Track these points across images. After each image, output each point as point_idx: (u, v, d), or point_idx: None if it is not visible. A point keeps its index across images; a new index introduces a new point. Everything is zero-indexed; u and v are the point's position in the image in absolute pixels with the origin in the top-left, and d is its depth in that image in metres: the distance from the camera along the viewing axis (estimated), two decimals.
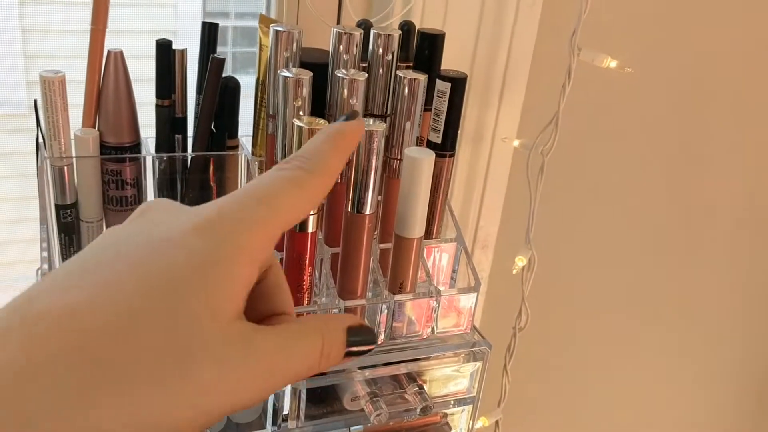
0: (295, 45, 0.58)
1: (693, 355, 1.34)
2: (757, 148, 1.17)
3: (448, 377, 0.69)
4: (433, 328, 0.65)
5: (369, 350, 0.33)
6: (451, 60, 0.76)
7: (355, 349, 0.33)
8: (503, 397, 0.94)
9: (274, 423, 0.60)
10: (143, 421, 0.25)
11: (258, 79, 0.64)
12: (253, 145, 0.66)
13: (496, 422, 0.95)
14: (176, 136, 0.65)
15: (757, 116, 1.14)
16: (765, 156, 1.19)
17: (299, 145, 0.52)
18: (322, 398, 0.63)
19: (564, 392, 1.23)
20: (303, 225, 0.55)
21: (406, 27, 0.66)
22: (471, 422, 0.71)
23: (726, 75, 1.07)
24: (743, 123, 1.13)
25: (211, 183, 0.65)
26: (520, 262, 0.84)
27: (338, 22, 0.77)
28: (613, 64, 0.75)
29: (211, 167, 0.66)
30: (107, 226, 0.65)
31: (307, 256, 0.56)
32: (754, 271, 1.32)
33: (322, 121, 0.52)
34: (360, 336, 0.33)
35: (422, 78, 0.58)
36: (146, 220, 0.31)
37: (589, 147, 1.01)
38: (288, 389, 0.59)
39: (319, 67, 0.59)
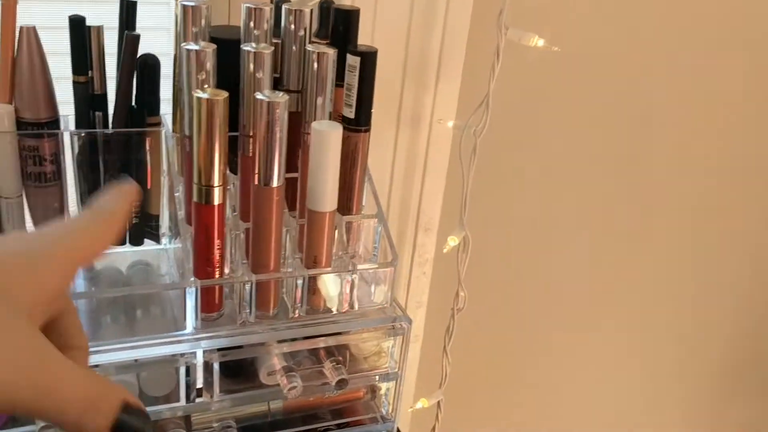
0: (203, 20, 0.58)
1: (627, 331, 1.34)
2: (685, 118, 1.17)
3: (373, 353, 0.69)
4: (351, 304, 0.65)
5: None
6: (385, 42, 0.77)
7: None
8: (444, 378, 0.94)
9: (187, 397, 0.60)
10: None
11: (174, 55, 0.64)
12: (173, 122, 0.66)
13: (438, 403, 0.95)
14: (96, 113, 0.65)
15: (685, 88, 1.14)
16: (694, 123, 1.19)
17: (200, 115, 0.52)
18: (239, 372, 0.63)
19: (504, 372, 1.24)
20: (208, 197, 0.55)
21: (326, 5, 0.66)
22: (396, 398, 0.72)
23: (652, 49, 1.07)
24: (670, 96, 1.13)
25: (146, 159, 0.66)
26: (452, 242, 0.84)
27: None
28: (541, 42, 0.76)
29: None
30: (28, 202, 0.65)
31: (215, 228, 0.57)
32: (699, 257, 1.32)
33: (223, 92, 0.53)
34: (132, 416, 0.32)
35: (331, 52, 0.59)
36: None
37: (521, 126, 1.01)
38: (200, 362, 0.59)
39: (230, 42, 0.59)
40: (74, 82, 0.63)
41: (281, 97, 0.54)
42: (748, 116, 1.21)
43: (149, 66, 0.64)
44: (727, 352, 1.48)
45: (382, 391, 0.72)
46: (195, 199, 0.56)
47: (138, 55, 0.63)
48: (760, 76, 1.18)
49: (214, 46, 0.55)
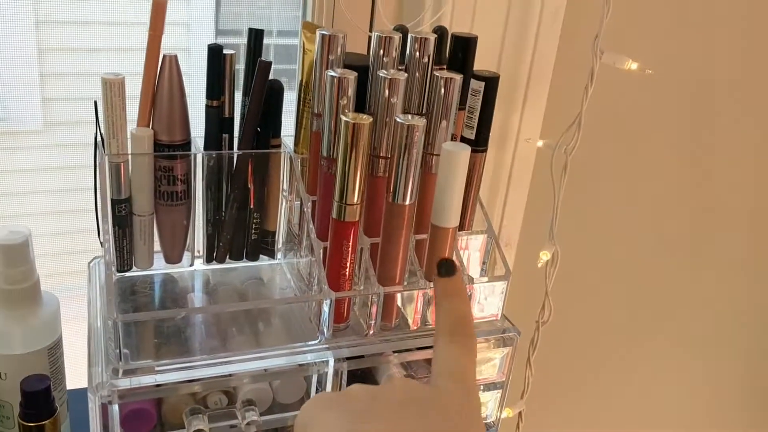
0: (339, 48, 0.62)
1: (706, 352, 1.36)
2: None
3: (480, 363, 0.72)
4: None
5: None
6: (477, 63, 0.80)
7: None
8: (526, 389, 0.97)
9: None
10: None
11: (301, 81, 0.68)
12: (296, 143, 0.70)
13: (519, 413, 0.98)
14: (224, 135, 0.69)
15: None
16: None
17: (346, 138, 0.56)
18: (362, 380, 0.66)
19: (585, 385, 1.26)
20: (347, 214, 0.59)
21: (440, 31, 0.70)
22: (500, 406, 0.75)
23: (745, 76, 1.10)
24: (762, 124, 1.16)
25: (249, 183, 0.69)
26: (545, 256, 0.88)
27: (371, 28, 0.81)
28: (634, 66, 0.79)
29: (250, 166, 0.70)
30: (157, 221, 0.69)
31: (351, 243, 0.60)
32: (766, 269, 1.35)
33: (365, 116, 0.56)
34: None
35: (458, 78, 0.62)
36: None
37: (610, 147, 1.04)
38: (331, 370, 0.62)
39: (360, 69, 0.62)
40: (207, 106, 0.67)
41: (419, 121, 0.57)
42: None
43: (275, 91, 0.68)
44: None
45: (486, 400, 0.75)
46: (334, 215, 0.59)
47: None
48: None
49: (356, 73, 0.59)
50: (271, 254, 0.75)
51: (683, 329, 1.31)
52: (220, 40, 0.89)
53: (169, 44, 0.86)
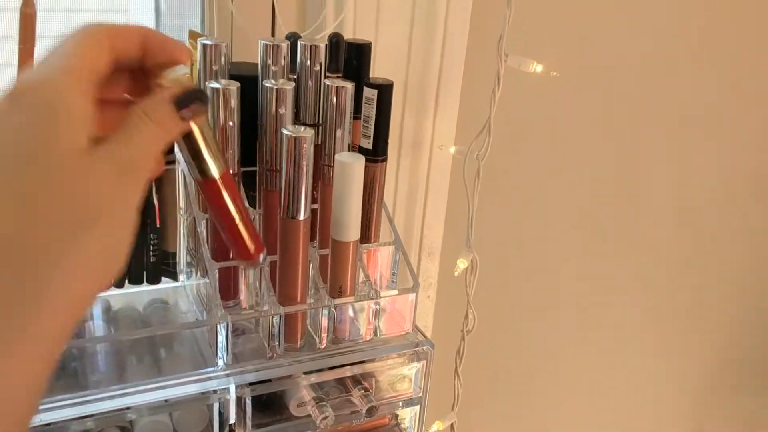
0: (223, 58, 0.59)
1: (638, 341, 1.37)
2: (683, 138, 1.21)
3: (395, 379, 0.70)
4: (376, 330, 0.66)
5: (203, 105, 0.37)
6: (384, 71, 0.78)
7: (186, 110, 0.36)
8: (456, 400, 0.95)
9: None
10: None
11: None
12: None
13: (452, 425, 0.96)
14: None
15: (681, 109, 1.18)
16: (692, 146, 1.23)
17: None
18: (268, 405, 0.63)
19: (516, 392, 1.25)
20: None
21: (335, 39, 0.68)
22: (420, 422, 0.72)
23: (649, 71, 1.11)
24: (669, 117, 1.17)
25: (153, 199, 0.66)
26: (462, 264, 0.86)
27: (273, 36, 0.78)
28: (539, 68, 0.78)
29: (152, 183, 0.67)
30: None
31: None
32: (694, 261, 1.35)
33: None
34: (186, 96, 0.36)
35: (349, 86, 0.60)
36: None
37: (523, 150, 1.04)
38: (233, 397, 0.59)
39: (248, 79, 0.60)
40: None
41: (306, 132, 0.55)
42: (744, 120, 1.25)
43: None
44: (732, 347, 1.51)
45: (404, 416, 0.72)
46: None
47: None
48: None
49: (238, 84, 0.56)
50: (173, 276, 0.72)
51: (610, 327, 1.31)
52: None
53: None
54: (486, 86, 0.84)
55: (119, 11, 0.92)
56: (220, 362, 0.60)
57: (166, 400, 0.58)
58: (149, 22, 0.94)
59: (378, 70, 0.71)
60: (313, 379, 0.64)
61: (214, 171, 0.41)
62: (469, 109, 0.91)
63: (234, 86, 0.56)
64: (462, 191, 0.89)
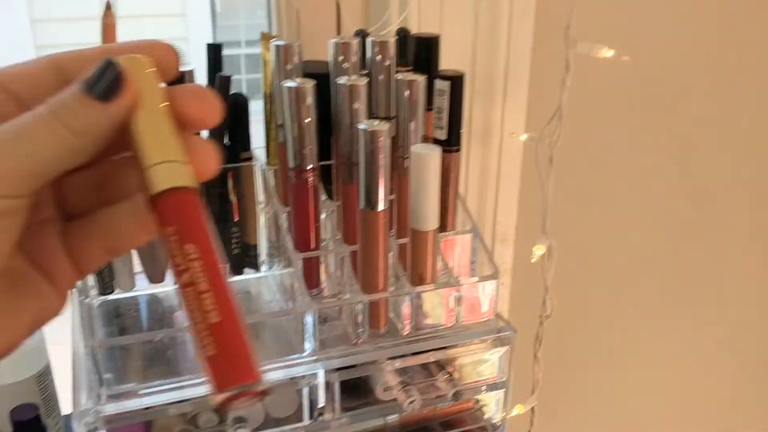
0: (296, 57, 0.61)
1: (719, 337, 1.34)
2: (763, 128, 1.19)
3: (477, 364, 0.71)
4: (457, 317, 0.67)
5: (117, 81, 0.27)
6: (452, 62, 0.79)
7: (97, 88, 0.27)
8: (536, 384, 0.96)
9: (311, 416, 0.63)
10: None
11: (265, 93, 0.68)
12: (267, 155, 0.70)
13: (532, 409, 0.97)
14: None
15: (758, 98, 1.15)
16: None
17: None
18: (355, 390, 0.66)
19: (596, 376, 1.25)
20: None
21: (402, 33, 0.70)
22: (506, 406, 0.74)
23: (724, 57, 1.09)
24: (744, 104, 1.15)
25: (230, 195, 0.69)
26: (538, 251, 0.86)
27: (339, 33, 0.81)
28: (610, 53, 0.78)
29: (229, 180, 0.69)
30: None
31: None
32: None
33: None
34: (97, 75, 0.27)
35: (421, 79, 0.61)
36: None
37: (595, 136, 1.03)
38: (321, 382, 0.62)
39: (320, 77, 0.62)
40: None
41: (382, 126, 0.57)
42: None
43: (239, 105, 0.68)
44: None
45: (489, 401, 0.74)
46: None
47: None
48: None
49: (313, 81, 0.58)
50: (256, 267, 0.75)
51: (691, 312, 1.29)
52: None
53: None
54: (555, 73, 0.84)
55: (177, 15, 0.95)
56: (308, 348, 0.62)
57: None
58: (206, 24, 0.97)
59: (445, 62, 0.72)
60: (398, 364, 0.66)
61: (163, 180, 0.27)
62: (539, 96, 0.91)
63: (309, 84, 0.58)
64: (534, 178, 0.90)
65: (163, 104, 0.28)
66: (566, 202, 0.99)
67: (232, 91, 0.66)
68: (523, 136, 0.90)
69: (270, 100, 0.67)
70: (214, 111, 0.30)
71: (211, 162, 0.30)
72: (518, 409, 0.94)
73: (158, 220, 0.26)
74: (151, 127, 0.27)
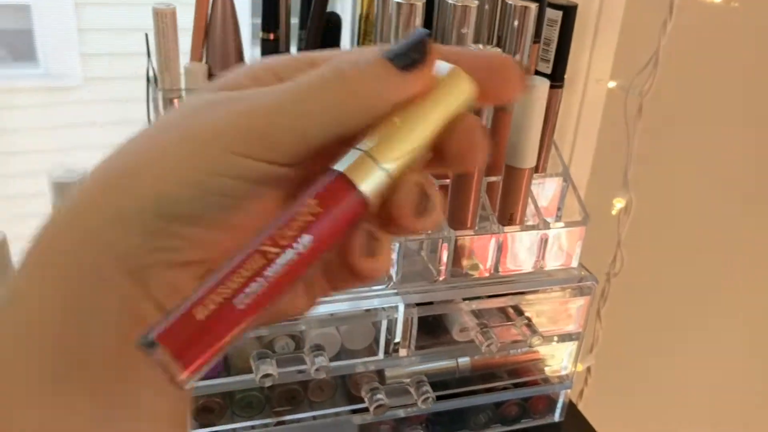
0: None
1: None
2: None
3: (554, 312, 0.69)
4: (540, 263, 0.65)
5: (422, 56, 0.24)
6: None
7: (405, 57, 0.24)
8: (595, 343, 0.93)
9: (386, 351, 0.61)
10: None
11: (361, 13, 0.64)
12: None
13: (588, 368, 0.94)
14: None
15: None
16: None
17: None
18: (432, 329, 0.63)
19: (655, 339, 1.21)
20: None
21: None
22: (576, 359, 0.71)
23: None
24: None
25: None
26: (618, 203, 0.83)
27: None
28: None
29: None
30: None
31: None
32: None
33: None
34: (407, 46, 0.25)
35: (533, 6, 0.57)
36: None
37: (690, 89, 0.97)
38: (401, 316, 0.59)
39: None
40: (262, 39, 0.64)
41: (493, 50, 0.53)
42: None
43: (333, 24, 0.65)
44: None
45: (554, 353, 0.71)
46: None
47: None
48: None
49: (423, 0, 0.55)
50: None
51: (763, 284, 1.24)
52: None
53: None
54: (651, 16, 0.80)
55: None
56: (390, 281, 0.60)
57: (331, 314, 0.59)
58: None
59: None
60: (475, 305, 0.63)
61: (354, 169, 0.23)
62: (630, 42, 0.87)
63: (419, 2, 0.54)
64: (612, 128, 0.86)
65: (441, 120, 0.24)
66: (646, 157, 0.94)
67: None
68: (612, 84, 0.85)
69: (366, 21, 0.63)
70: (512, 90, 0.26)
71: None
72: (577, 367, 0.92)
73: (312, 191, 0.23)
74: (403, 125, 0.24)
